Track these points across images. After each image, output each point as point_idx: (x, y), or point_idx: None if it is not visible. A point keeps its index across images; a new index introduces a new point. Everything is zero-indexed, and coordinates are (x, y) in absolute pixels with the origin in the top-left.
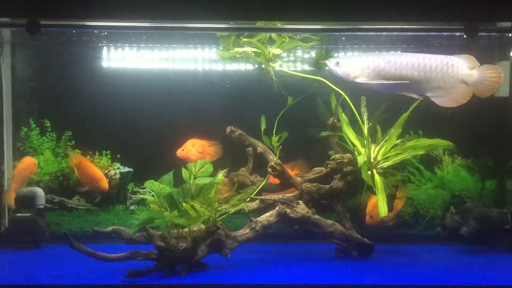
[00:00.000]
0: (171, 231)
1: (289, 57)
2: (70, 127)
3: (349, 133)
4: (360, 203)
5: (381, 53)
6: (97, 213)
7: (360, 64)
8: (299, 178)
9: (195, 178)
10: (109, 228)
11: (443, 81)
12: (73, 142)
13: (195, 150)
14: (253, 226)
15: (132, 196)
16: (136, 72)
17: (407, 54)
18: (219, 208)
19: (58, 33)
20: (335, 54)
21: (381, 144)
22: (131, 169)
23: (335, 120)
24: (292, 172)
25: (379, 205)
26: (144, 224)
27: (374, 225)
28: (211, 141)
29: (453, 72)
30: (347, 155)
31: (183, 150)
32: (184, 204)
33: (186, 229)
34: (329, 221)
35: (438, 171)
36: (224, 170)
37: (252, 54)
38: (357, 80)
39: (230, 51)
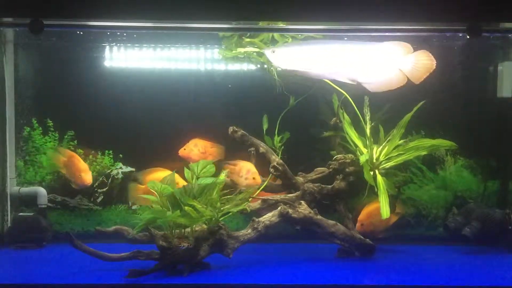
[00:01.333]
0: (173, 231)
1: None
2: (73, 126)
3: (351, 134)
4: (362, 203)
5: (316, 40)
6: (99, 213)
7: (295, 51)
8: (301, 179)
9: (197, 178)
10: (112, 228)
11: (377, 67)
12: (75, 141)
13: (197, 150)
14: (255, 226)
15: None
16: (139, 72)
17: (342, 41)
18: (221, 208)
19: (61, 32)
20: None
21: (383, 144)
22: (133, 169)
23: (337, 120)
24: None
25: (381, 207)
26: (147, 224)
27: (363, 234)
28: (214, 142)
29: (388, 57)
30: (350, 155)
31: (185, 149)
32: (186, 204)
33: (188, 229)
34: (331, 222)
35: (440, 171)
36: (226, 170)
37: (255, 54)
38: (293, 68)
39: (233, 51)
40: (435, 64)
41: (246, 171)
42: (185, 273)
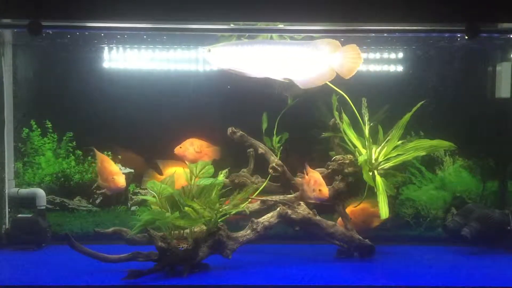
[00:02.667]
0: (172, 232)
1: None
2: (71, 128)
3: (350, 134)
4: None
5: (249, 40)
6: (98, 214)
7: (229, 50)
8: (300, 179)
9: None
10: (110, 229)
11: (308, 64)
12: (74, 143)
13: (192, 149)
14: (254, 227)
15: (133, 197)
16: (138, 73)
17: (273, 40)
18: (220, 209)
19: (59, 34)
20: None
21: (382, 145)
22: (132, 170)
23: (336, 121)
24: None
25: (380, 207)
26: (146, 225)
27: None
28: (211, 142)
29: (317, 54)
30: (349, 156)
31: (181, 148)
32: (185, 206)
33: (187, 230)
34: (330, 222)
35: (439, 172)
36: (225, 171)
37: None
38: (227, 67)
39: None
40: (362, 59)
41: (313, 182)
42: (184, 274)
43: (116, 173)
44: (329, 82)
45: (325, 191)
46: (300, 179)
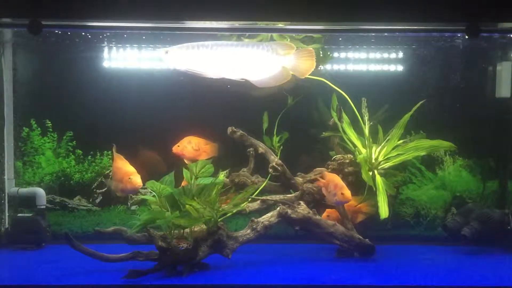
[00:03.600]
0: (172, 231)
1: None
2: (71, 127)
3: (350, 134)
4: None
5: (205, 41)
6: (98, 213)
7: (186, 52)
8: (300, 179)
9: (196, 178)
10: (110, 229)
11: (263, 65)
12: (74, 142)
13: (190, 147)
14: (254, 226)
15: (133, 196)
16: (137, 73)
17: (230, 42)
18: (220, 209)
19: (60, 33)
20: (336, 55)
21: (382, 144)
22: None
23: (335, 121)
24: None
25: (379, 206)
26: (146, 225)
27: None
28: (208, 140)
29: (272, 56)
30: (348, 155)
31: (178, 146)
32: (186, 205)
33: (187, 230)
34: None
35: (439, 171)
36: (225, 171)
37: None
38: (184, 68)
39: None
40: (315, 60)
41: (333, 185)
42: (184, 273)
43: (133, 173)
44: (329, 81)
45: (348, 194)
46: (300, 179)
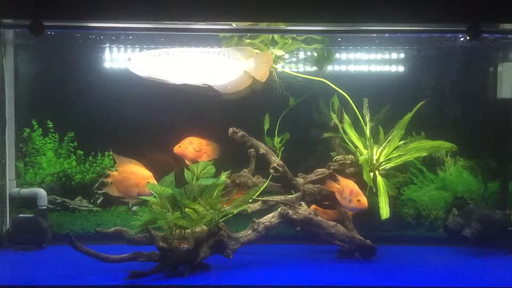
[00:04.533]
0: (173, 232)
1: (291, 58)
2: (73, 127)
3: (352, 134)
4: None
5: (167, 48)
6: (99, 214)
7: (148, 59)
8: (301, 180)
9: (197, 179)
10: (112, 229)
11: (224, 70)
12: (75, 143)
13: (191, 148)
14: (255, 227)
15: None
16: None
17: (191, 48)
18: (221, 209)
19: (61, 34)
20: (337, 55)
21: (383, 145)
22: None
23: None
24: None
25: (380, 207)
26: (147, 225)
27: None
28: (209, 140)
29: (232, 62)
30: (350, 156)
31: (180, 147)
32: (186, 206)
33: (188, 230)
34: (332, 222)
35: (440, 172)
36: (227, 172)
37: None
38: (147, 75)
39: None
40: (272, 61)
41: (349, 191)
42: (185, 274)
43: (149, 176)
44: (330, 82)
45: (364, 201)
46: (301, 179)
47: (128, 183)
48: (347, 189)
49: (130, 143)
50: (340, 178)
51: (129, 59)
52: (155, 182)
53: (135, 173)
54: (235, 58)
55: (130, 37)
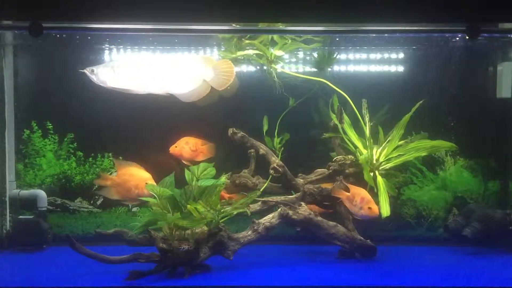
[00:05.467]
0: (173, 233)
1: (291, 58)
2: (72, 129)
3: (351, 135)
4: None
5: (130, 58)
6: (99, 215)
7: (112, 69)
8: (301, 180)
9: (197, 180)
10: (112, 230)
11: (185, 79)
12: (75, 144)
13: (188, 148)
14: (255, 228)
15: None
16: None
17: (153, 58)
18: (222, 210)
19: (60, 35)
20: (337, 56)
21: (383, 145)
22: None
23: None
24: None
25: (381, 206)
26: (147, 226)
27: None
28: (205, 140)
29: (193, 70)
30: (350, 156)
31: (176, 147)
32: (188, 206)
33: (188, 231)
34: (332, 223)
35: (440, 172)
36: (227, 174)
37: (254, 56)
38: (111, 86)
39: (233, 54)
40: (234, 72)
41: (360, 199)
42: (186, 275)
43: (148, 178)
44: (329, 82)
45: (376, 208)
46: (301, 180)
47: (128, 186)
48: (358, 196)
49: (130, 144)
50: (350, 185)
51: (93, 71)
52: (154, 183)
53: (134, 175)
54: (195, 67)
55: (138, 40)
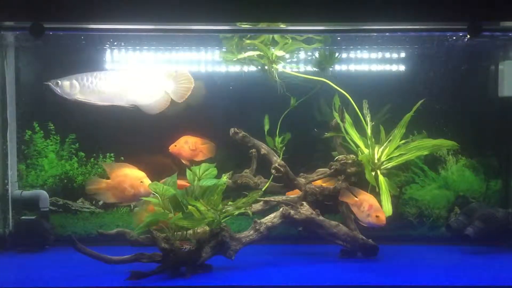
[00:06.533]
0: (175, 233)
1: (292, 58)
2: (74, 129)
3: (353, 134)
4: None
5: (94, 71)
6: (102, 216)
7: (77, 82)
8: (303, 180)
9: (199, 180)
10: (114, 231)
11: (147, 91)
12: (77, 145)
13: (187, 147)
14: (257, 227)
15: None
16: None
17: (116, 71)
18: (223, 210)
19: (61, 36)
20: (338, 55)
21: (384, 144)
22: None
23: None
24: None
25: (382, 205)
26: (149, 226)
27: None
28: (205, 139)
29: (154, 83)
30: (351, 156)
31: (175, 146)
32: (189, 206)
33: (190, 231)
34: (334, 222)
35: (442, 171)
36: (229, 173)
37: (255, 56)
38: (75, 97)
39: (234, 56)
40: (193, 82)
41: (368, 205)
42: (187, 275)
43: (143, 176)
44: (330, 81)
45: (383, 217)
46: (303, 179)
47: (123, 186)
48: (366, 203)
49: (131, 144)
50: (359, 191)
51: (58, 83)
52: (150, 181)
53: (128, 175)
54: (157, 78)
55: (142, 40)
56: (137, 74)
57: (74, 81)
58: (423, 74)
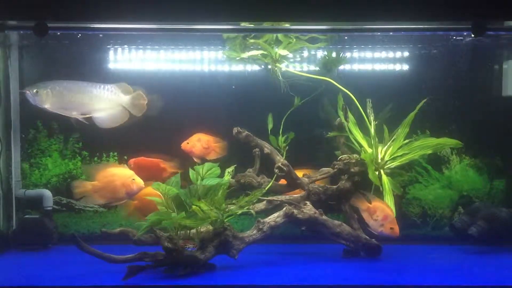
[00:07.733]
0: (178, 232)
1: (295, 57)
2: (77, 128)
3: (356, 133)
4: None
5: (62, 81)
6: (105, 215)
7: (46, 92)
8: (306, 179)
9: (202, 179)
10: (117, 230)
11: (105, 104)
12: (80, 144)
13: (200, 145)
14: (260, 227)
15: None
16: (143, 74)
17: (78, 82)
18: (226, 209)
19: (65, 34)
20: (342, 55)
21: (388, 144)
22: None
23: (341, 121)
24: None
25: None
26: (152, 226)
27: None
28: (218, 138)
29: (112, 97)
30: (355, 155)
31: (188, 143)
32: (193, 205)
33: (193, 230)
34: (337, 222)
35: (446, 171)
36: (231, 169)
37: (259, 55)
38: (46, 106)
39: (238, 55)
40: (147, 101)
41: (383, 216)
42: (191, 274)
43: (132, 174)
44: (334, 81)
45: (397, 230)
46: (306, 179)
47: (113, 186)
48: (380, 212)
49: (132, 143)
50: (372, 197)
51: (36, 92)
52: (140, 179)
53: (117, 174)
54: (115, 93)
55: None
56: (98, 87)
57: (45, 92)
58: (427, 73)
